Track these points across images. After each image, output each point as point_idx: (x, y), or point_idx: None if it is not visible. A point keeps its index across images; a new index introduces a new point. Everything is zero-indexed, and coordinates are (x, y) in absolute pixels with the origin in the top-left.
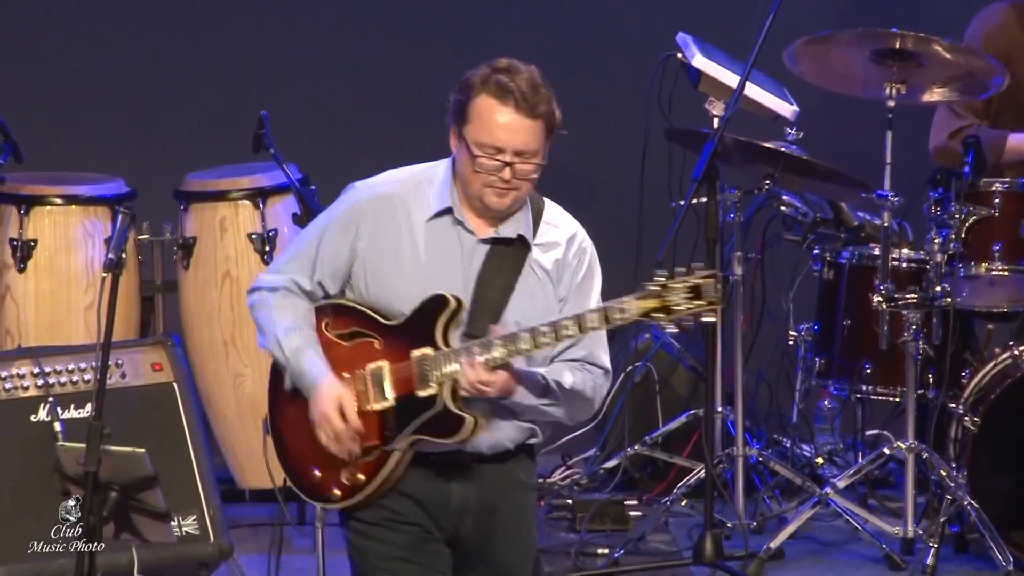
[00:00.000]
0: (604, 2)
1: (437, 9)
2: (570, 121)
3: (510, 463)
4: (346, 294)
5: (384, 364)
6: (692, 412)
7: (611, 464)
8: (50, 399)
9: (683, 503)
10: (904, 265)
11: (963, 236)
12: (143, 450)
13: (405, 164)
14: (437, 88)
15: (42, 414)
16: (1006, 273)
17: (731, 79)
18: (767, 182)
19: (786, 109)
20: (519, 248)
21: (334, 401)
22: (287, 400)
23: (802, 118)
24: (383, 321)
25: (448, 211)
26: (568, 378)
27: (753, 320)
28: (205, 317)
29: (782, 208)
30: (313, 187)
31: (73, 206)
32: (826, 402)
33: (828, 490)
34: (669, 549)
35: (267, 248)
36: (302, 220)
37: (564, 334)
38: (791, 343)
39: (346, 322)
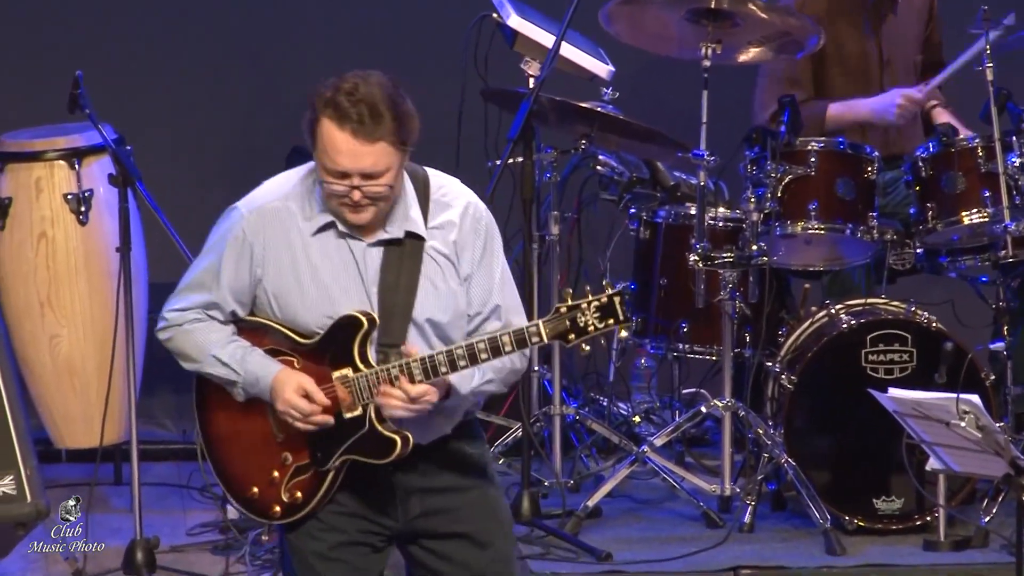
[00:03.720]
0: None
1: None
2: None
3: (451, 443)
4: (256, 314)
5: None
6: None
7: None
8: None
9: (500, 462)
10: (720, 224)
11: (779, 195)
12: None
13: (221, 124)
14: (252, 48)
15: None
16: (822, 232)
17: (546, 39)
18: (583, 142)
19: (602, 69)
20: (413, 243)
21: (295, 387)
22: (217, 418)
23: (618, 78)
24: (298, 340)
25: (331, 225)
26: (495, 360)
27: (570, 279)
28: (21, 278)
29: (598, 168)
30: (129, 147)
31: None
32: (643, 361)
33: (645, 448)
34: None
35: (83, 208)
36: (118, 180)
37: (482, 358)
38: None
39: (262, 340)
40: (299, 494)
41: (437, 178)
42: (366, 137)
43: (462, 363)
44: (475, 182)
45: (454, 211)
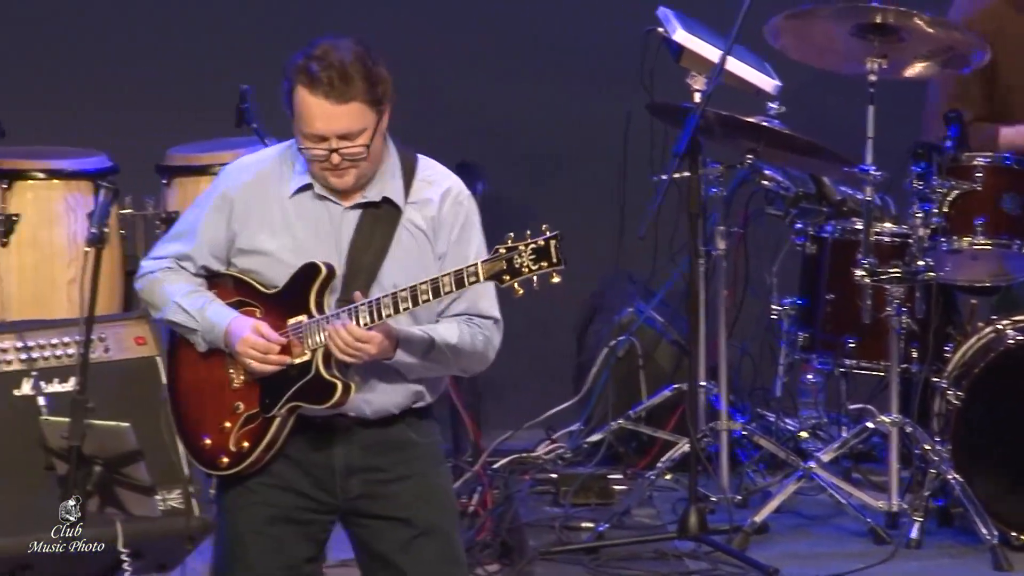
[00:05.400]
0: None
1: None
2: (553, 96)
3: (397, 426)
4: (230, 271)
5: None
6: (676, 386)
7: (595, 438)
8: (33, 373)
9: (667, 477)
10: (887, 239)
11: (946, 210)
12: (127, 424)
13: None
14: (414, 61)
15: (26, 388)
16: (989, 247)
17: (712, 53)
18: (749, 156)
19: (768, 83)
20: (390, 211)
21: (250, 327)
22: (182, 370)
23: (784, 92)
24: (263, 290)
25: (309, 187)
26: (454, 333)
27: (736, 294)
28: None
29: (764, 182)
30: None
31: (56, 180)
32: (810, 376)
33: (812, 464)
34: (654, 523)
35: None
36: None
37: (423, 299)
38: (774, 317)
39: (229, 292)
40: (245, 443)
41: (426, 162)
42: (338, 99)
43: (404, 305)
44: (640, 196)
45: (435, 190)
